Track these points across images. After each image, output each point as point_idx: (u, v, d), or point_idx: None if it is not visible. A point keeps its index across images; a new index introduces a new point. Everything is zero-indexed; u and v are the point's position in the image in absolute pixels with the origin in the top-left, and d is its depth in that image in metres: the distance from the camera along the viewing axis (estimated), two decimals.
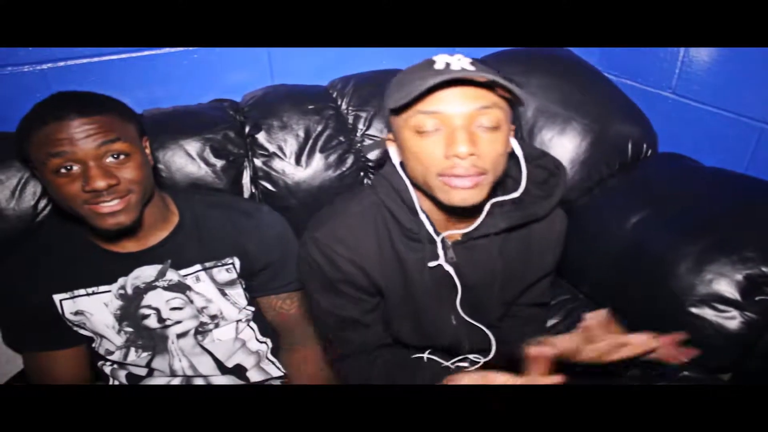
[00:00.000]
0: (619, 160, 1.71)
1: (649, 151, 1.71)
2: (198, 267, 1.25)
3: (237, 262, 1.27)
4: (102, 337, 1.29)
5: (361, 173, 1.67)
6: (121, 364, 1.34)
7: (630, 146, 1.71)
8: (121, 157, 1.07)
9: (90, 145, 1.04)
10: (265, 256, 1.30)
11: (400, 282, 1.12)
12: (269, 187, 1.57)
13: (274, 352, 1.43)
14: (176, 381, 1.34)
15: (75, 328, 1.29)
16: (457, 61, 0.94)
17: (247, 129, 1.62)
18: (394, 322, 1.19)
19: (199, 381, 1.34)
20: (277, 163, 1.58)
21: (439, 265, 1.09)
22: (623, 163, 1.70)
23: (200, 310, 1.26)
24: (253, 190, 1.59)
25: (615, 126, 1.76)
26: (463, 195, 0.95)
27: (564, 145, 1.72)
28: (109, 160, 1.06)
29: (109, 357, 1.31)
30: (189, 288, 1.24)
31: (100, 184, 1.04)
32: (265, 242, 1.30)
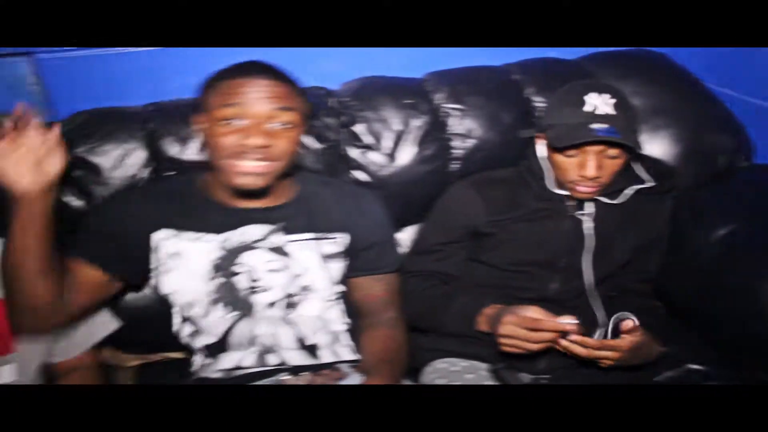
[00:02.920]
0: (710, 170, 1.69)
1: (744, 163, 1.68)
2: (307, 235, 1.30)
3: (344, 237, 1.33)
4: (187, 289, 1.34)
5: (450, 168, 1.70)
6: (196, 333, 1.36)
7: (723, 157, 1.69)
8: (287, 126, 1.15)
9: (264, 106, 1.13)
10: (370, 235, 1.36)
11: (525, 230, 1.41)
12: (362, 177, 1.60)
13: (351, 335, 1.45)
14: (252, 350, 1.35)
15: (161, 272, 1.34)
16: (604, 105, 1.28)
17: (343, 119, 1.65)
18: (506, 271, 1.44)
19: (272, 356, 1.35)
20: (372, 155, 1.63)
21: (572, 220, 1.42)
22: (714, 174, 1.73)
23: (294, 277, 1.29)
24: (345, 180, 1.65)
25: (708, 136, 1.76)
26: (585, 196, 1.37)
27: (653, 153, 1.72)
28: (274, 125, 1.14)
29: (189, 312, 1.34)
30: (290, 254, 1.28)
31: (256, 141, 1.11)
32: (372, 223, 1.37)
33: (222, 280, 1.34)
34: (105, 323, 1.43)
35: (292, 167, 1.25)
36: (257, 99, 1.12)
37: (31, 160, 1.06)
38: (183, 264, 1.26)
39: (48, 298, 1.15)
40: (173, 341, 1.43)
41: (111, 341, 1.50)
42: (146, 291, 1.56)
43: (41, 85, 1.81)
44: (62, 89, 1.70)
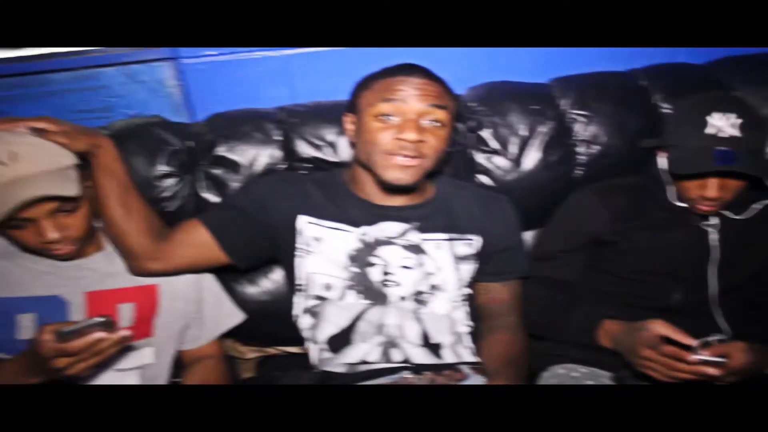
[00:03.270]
0: None
1: None
2: (442, 236, 1.33)
3: (477, 240, 1.35)
4: (323, 273, 1.38)
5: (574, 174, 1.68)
6: (318, 325, 1.39)
7: None
8: (437, 124, 1.20)
9: (419, 104, 1.19)
10: (503, 240, 1.38)
11: (648, 239, 1.37)
12: (487, 181, 1.60)
13: (473, 337, 1.45)
14: (376, 350, 1.37)
15: (304, 251, 1.38)
16: (728, 126, 1.23)
17: (470, 123, 1.67)
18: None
19: (396, 352, 1.36)
20: (497, 160, 1.65)
21: (697, 230, 1.37)
22: None
23: (426, 275, 1.31)
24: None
25: None
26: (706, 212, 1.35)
27: None
28: (427, 122, 1.19)
29: (325, 293, 1.38)
30: (425, 252, 1.32)
31: (411, 136, 1.17)
32: (505, 228, 1.39)
33: (357, 270, 1.38)
34: (231, 315, 1.49)
35: (438, 166, 1.27)
36: (413, 96, 1.18)
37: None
38: (324, 249, 1.32)
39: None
40: (291, 337, 1.48)
41: (233, 333, 1.56)
42: (267, 286, 1.64)
43: (181, 87, 1.92)
44: (201, 92, 1.80)
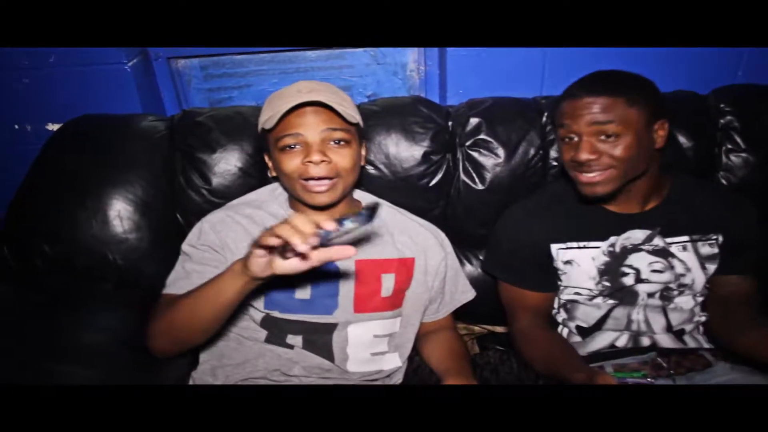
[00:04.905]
0: None
1: None
2: (685, 238, 1.37)
3: (721, 238, 1.37)
4: (577, 287, 1.46)
5: None
6: (570, 319, 1.50)
7: None
8: (612, 137, 1.22)
9: (587, 124, 1.24)
10: (744, 238, 1.39)
11: None
12: (729, 179, 1.70)
13: (705, 327, 1.49)
14: (624, 337, 1.45)
15: (558, 275, 1.47)
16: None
17: (722, 122, 1.70)
18: None
19: (644, 338, 1.44)
20: (739, 159, 1.70)
21: None
22: None
23: (677, 276, 1.36)
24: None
25: None
26: None
27: None
28: (603, 137, 1.23)
29: (576, 297, 1.47)
30: (672, 255, 1.37)
31: (584, 155, 1.23)
32: (746, 225, 1.40)
33: (608, 283, 1.45)
34: (465, 292, 1.49)
35: (642, 171, 1.31)
36: (581, 117, 1.23)
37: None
38: (573, 269, 1.41)
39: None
40: (500, 316, 1.58)
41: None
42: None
43: (422, 72, 2.04)
44: (457, 78, 1.89)
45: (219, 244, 1.25)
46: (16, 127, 1.90)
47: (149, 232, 1.49)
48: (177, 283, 1.23)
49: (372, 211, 0.98)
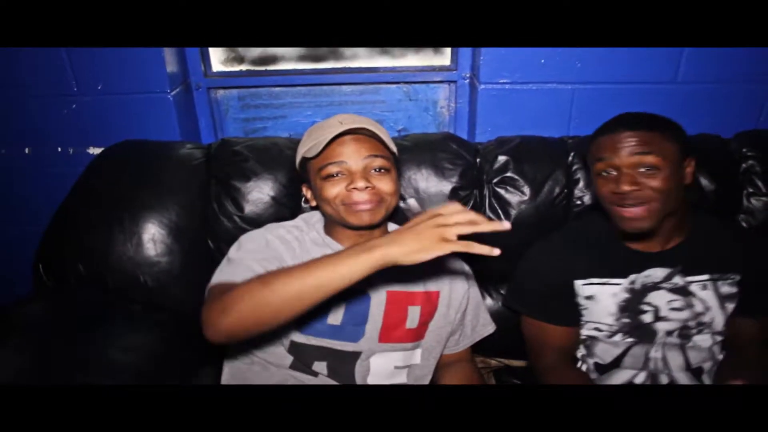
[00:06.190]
0: None
1: None
2: (705, 276, 1.36)
3: (738, 278, 1.37)
4: (597, 322, 1.46)
5: None
6: (588, 355, 1.50)
7: None
8: (651, 170, 1.23)
9: (627, 156, 1.25)
10: (764, 279, 1.37)
11: None
12: (749, 221, 1.70)
13: (718, 368, 1.47)
14: (641, 375, 1.44)
15: (580, 310, 1.48)
16: None
17: (744, 165, 1.71)
18: None
19: (663, 376, 1.43)
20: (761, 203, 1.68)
21: None
22: None
23: (696, 315, 1.36)
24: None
25: None
26: None
27: None
28: (642, 170, 1.24)
29: (595, 333, 1.47)
30: (692, 293, 1.36)
31: (625, 188, 1.23)
32: (765, 267, 1.37)
33: (627, 320, 1.45)
34: (486, 325, 1.54)
35: (676, 206, 1.30)
36: (621, 150, 1.25)
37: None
38: (594, 305, 1.42)
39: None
40: (516, 351, 1.60)
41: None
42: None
43: (453, 108, 2.08)
44: (487, 115, 1.93)
45: (277, 257, 1.23)
46: (59, 149, 1.99)
47: (180, 255, 1.54)
48: (236, 273, 1.15)
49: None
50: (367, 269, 0.96)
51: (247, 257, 1.19)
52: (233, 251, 1.25)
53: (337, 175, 1.24)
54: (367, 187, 1.21)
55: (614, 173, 1.28)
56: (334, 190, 1.24)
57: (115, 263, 1.49)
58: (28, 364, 1.19)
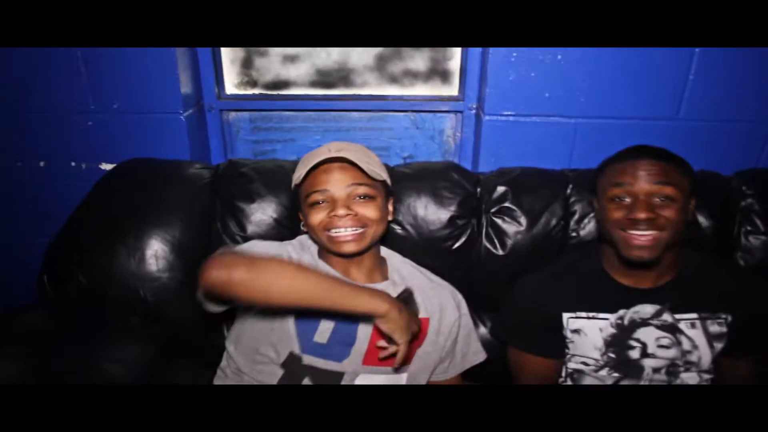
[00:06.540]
0: None
1: None
2: (694, 315, 1.37)
3: (730, 318, 1.36)
4: (584, 356, 1.46)
5: None
6: (582, 375, 1.50)
7: None
8: (667, 200, 1.26)
9: (647, 184, 1.27)
10: (752, 319, 1.37)
11: None
12: (747, 259, 1.69)
13: None
14: None
15: (566, 343, 1.48)
16: None
17: (743, 204, 1.72)
18: None
19: None
20: (758, 241, 1.69)
21: None
22: None
23: (684, 353, 1.36)
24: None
25: None
26: None
27: None
28: (657, 199, 1.26)
29: (582, 367, 1.48)
30: (680, 331, 1.36)
31: (641, 215, 1.24)
32: (756, 306, 1.38)
33: (613, 355, 1.45)
34: (476, 353, 1.57)
35: (678, 241, 1.31)
36: (640, 177, 1.26)
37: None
38: (579, 339, 1.42)
39: None
40: (509, 380, 1.60)
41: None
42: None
43: (458, 138, 2.11)
44: (491, 146, 1.96)
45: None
46: (73, 164, 2.06)
47: (181, 272, 1.57)
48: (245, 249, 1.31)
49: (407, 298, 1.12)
50: (350, 309, 1.13)
51: (255, 245, 1.31)
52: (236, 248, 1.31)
53: (321, 202, 1.28)
54: (348, 214, 1.25)
55: (628, 200, 1.28)
56: (318, 216, 1.28)
57: (116, 276, 1.54)
58: (22, 372, 1.24)
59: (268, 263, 1.12)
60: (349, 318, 1.26)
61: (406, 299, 1.10)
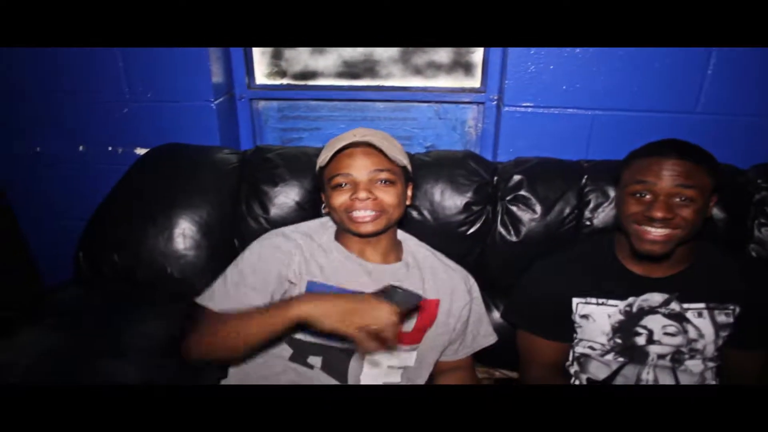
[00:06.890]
0: None
1: None
2: (702, 305, 1.39)
3: (738, 310, 1.38)
4: (591, 341, 1.50)
5: None
6: (581, 372, 1.53)
7: None
8: (686, 201, 1.27)
9: (668, 183, 1.28)
10: (763, 311, 1.38)
11: None
12: (760, 253, 1.69)
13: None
14: None
15: (574, 327, 1.52)
16: None
17: (758, 197, 1.73)
18: None
19: None
20: None
21: None
22: None
23: (689, 341, 1.39)
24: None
25: None
26: None
27: None
28: (678, 200, 1.27)
29: (589, 351, 1.51)
30: (687, 320, 1.39)
31: (659, 214, 1.26)
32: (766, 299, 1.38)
33: (619, 340, 1.48)
34: (487, 336, 1.53)
35: (692, 236, 1.33)
36: (662, 177, 1.27)
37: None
38: (588, 324, 1.46)
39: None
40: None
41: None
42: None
43: (480, 129, 2.15)
44: (510, 137, 2.00)
45: (276, 275, 1.34)
46: (110, 148, 2.17)
47: (207, 251, 1.66)
48: (220, 301, 1.32)
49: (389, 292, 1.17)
50: (282, 326, 1.17)
51: (239, 283, 1.34)
52: (232, 267, 1.37)
53: (344, 185, 1.32)
54: (368, 198, 1.29)
55: (648, 197, 1.30)
56: (339, 199, 1.32)
57: (146, 254, 1.63)
58: (61, 342, 1.34)
59: (219, 327, 1.24)
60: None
61: (388, 295, 1.15)
